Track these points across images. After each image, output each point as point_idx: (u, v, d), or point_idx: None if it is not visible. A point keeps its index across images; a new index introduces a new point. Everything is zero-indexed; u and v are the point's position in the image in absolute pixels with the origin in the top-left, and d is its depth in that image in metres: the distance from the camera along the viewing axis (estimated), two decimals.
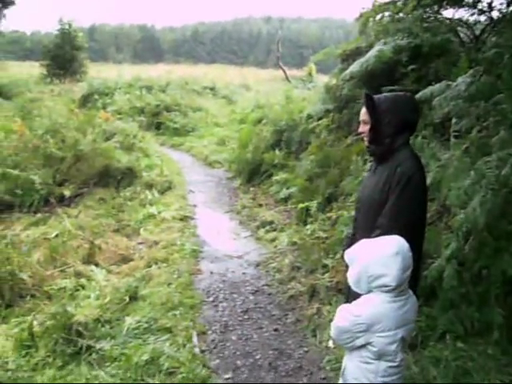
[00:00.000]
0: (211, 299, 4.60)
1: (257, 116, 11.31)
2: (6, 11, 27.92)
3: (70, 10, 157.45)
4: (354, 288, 2.11)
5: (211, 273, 5.23)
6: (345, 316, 2.09)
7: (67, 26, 30.37)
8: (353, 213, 3.22)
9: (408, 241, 2.05)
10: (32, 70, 32.28)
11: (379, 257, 1.99)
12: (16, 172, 8.03)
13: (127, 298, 4.36)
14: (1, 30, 30.13)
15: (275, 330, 4.08)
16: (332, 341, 3.67)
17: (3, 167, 8.27)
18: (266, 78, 29.84)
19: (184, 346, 3.69)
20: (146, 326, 3.92)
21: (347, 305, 2.17)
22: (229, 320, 4.22)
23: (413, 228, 2.33)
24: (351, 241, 2.58)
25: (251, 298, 4.68)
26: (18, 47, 78.22)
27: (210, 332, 4.00)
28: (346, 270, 2.17)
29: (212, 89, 21.06)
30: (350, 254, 2.13)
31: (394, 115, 2.45)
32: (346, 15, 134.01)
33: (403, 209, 2.35)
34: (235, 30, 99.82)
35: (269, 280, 5.07)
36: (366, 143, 2.60)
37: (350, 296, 2.36)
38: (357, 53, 7.44)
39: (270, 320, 4.25)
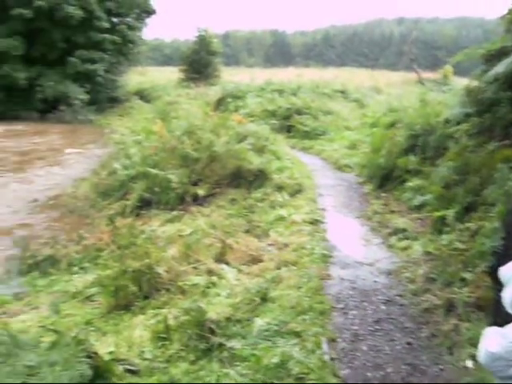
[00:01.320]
0: (341, 306, 4.49)
1: (389, 120, 10.95)
2: (148, 20, 29.80)
3: (206, 17, 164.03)
4: (509, 310, 1.91)
5: (341, 279, 5.11)
6: (498, 341, 1.89)
7: (204, 33, 31.66)
8: (497, 224, 2.96)
9: None
10: (170, 74, 34.17)
11: None
12: (155, 171, 8.50)
13: (257, 299, 4.37)
14: (143, 37, 32.14)
15: (408, 343, 3.88)
16: (471, 361, 3.42)
17: (144, 166, 8.79)
18: (397, 81, 29.06)
19: (313, 352, 3.62)
20: (275, 328, 3.90)
21: (499, 328, 1.97)
22: (359, 329, 4.08)
23: None
24: (503, 257, 2.36)
25: (383, 307, 4.50)
26: (158, 54, 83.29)
27: (339, 340, 3.89)
28: (489, 287, 1.97)
29: (343, 92, 20.84)
30: (507, 272, 1.93)
31: None
32: (485, 13, 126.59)
33: None
34: (366, 33, 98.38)
35: (401, 290, 4.85)
36: None
37: (500, 317, 2.15)
38: (502, 53, 6.92)
39: (402, 332, 4.05)
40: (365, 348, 3.80)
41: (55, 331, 3.70)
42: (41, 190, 11.04)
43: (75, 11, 24.24)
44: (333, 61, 76.71)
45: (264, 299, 4.42)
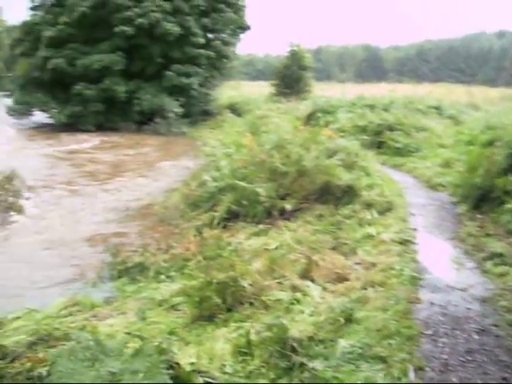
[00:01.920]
0: (430, 332, 4.25)
1: (487, 137, 10.41)
2: (242, 35, 30.45)
3: (299, 33, 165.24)
4: None
5: (431, 303, 4.86)
6: None
7: (296, 48, 31.93)
8: None
9: None
10: (262, 89, 34.61)
11: None
12: (243, 184, 8.58)
13: (342, 319, 4.25)
14: (237, 52, 32.83)
15: (503, 378, 3.59)
16: None
17: (233, 179, 8.90)
18: (496, 97, 27.69)
19: (399, 379, 3.44)
20: (359, 351, 3.76)
21: None
22: (449, 359, 3.84)
23: None
24: None
25: (476, 337, 4.21)
26: (251, 68, 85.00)
27: (427, 369, 3.67)
28: None
29: (437, 108, 20.11)
30: None
31: None
32: None
33: None
34: (463, 47, 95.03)
35: (497, 320, 4.53)
36: None
37: None
38: None
39: (497, 366, 3.76)
40: (455, 379, 3.56)
41: (140, 338, 3.78)
42: (133, 199, 11.47)
43: (173, 28, 25.25)
44: (427, 76, 74.54)
45: (348, 320, 4.29)
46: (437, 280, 5.46)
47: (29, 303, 5.47)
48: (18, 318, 5.00)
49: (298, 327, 4.02)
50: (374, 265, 5.80)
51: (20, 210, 9.83)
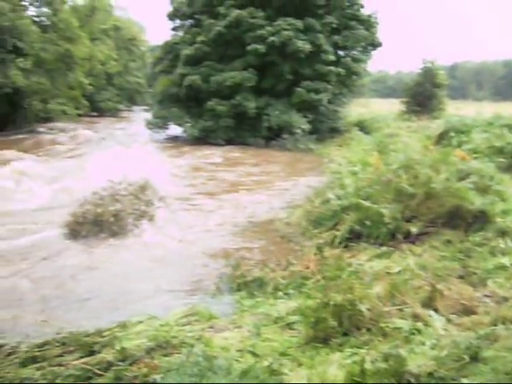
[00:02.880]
0: None
1: None
2: (373, 52, 30.08)
3: (433, 48, 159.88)
4: None
5: None
6: None
7: (429, 65, 30.95)
8: None
9: None
10: (392, 106, 33.87)
11: None
12: (368, 204, 8.37)
13: (466, 357, 3.93)
14: (367, 69, 32.45)
15: None
16: None
17: (357, 198, 8.73)
18: None
19: None
20: None
21: None
22: None
23: None
24: None
25: None
26: (381, 85, 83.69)
27: None
28: None
29: None
30: None
31: None
32: None
33: None
34: None
35: None
36: None
37: None
38: None
39: None
40: None
41: (253, 354, 3.77)
42: (255, 214, 11.62)
43: (304, 45, 25.51)
44: None
45: (474, 358, 3.94)
46: None
47: (150, 309, 5.71)
48: (140, 322, 5.23)
49: (417, 360, 3.77)
50: (506, 299, 5.32)
51: (151, 219, 10.35)
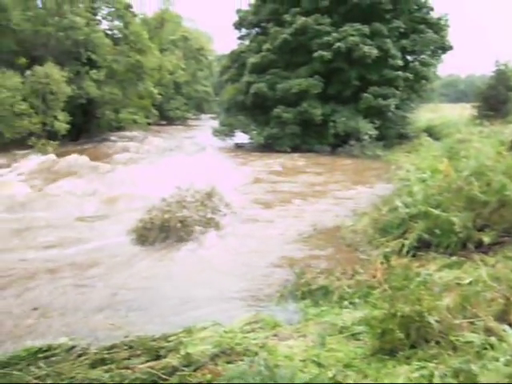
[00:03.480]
0: None
1: None
2: (443, 56, 29.29)
3: (508, 50, 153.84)
4: None
5: None
6: None
7: (503, 67, 29.81)
8: None
9: None
10: (463, 111, 32.79)
11: None
12: (437, 212, 8.11)
13: None
14: (437, 73, 31.63)
15: None
16: None
17: (426, 205, 8.48)
18: None
19: None
20: None
21: None
22: None
23: None
24: None
25: None
26: (451, 90, 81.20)
27: None
28: None
29: None
30: None
31: None
32: None
33: None
34: None
35: None
36: None
37: None
38: None
39: None
40: None
41: (317, 364, 3.71)
42: (320, 220, 11.52)
43: (371, 50, 25.21)
44: None
45: None
46: None
47: (215, 316, 5.75)
48: (205, 328, 5.28)
49: (490, 377, 3.60)
50: None
51: (217, 226, 10.47)
